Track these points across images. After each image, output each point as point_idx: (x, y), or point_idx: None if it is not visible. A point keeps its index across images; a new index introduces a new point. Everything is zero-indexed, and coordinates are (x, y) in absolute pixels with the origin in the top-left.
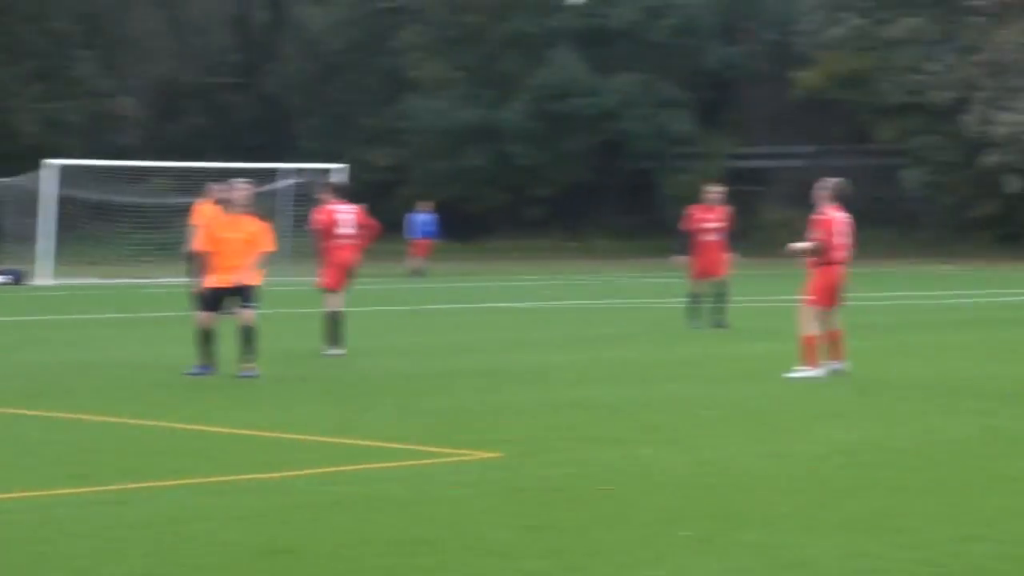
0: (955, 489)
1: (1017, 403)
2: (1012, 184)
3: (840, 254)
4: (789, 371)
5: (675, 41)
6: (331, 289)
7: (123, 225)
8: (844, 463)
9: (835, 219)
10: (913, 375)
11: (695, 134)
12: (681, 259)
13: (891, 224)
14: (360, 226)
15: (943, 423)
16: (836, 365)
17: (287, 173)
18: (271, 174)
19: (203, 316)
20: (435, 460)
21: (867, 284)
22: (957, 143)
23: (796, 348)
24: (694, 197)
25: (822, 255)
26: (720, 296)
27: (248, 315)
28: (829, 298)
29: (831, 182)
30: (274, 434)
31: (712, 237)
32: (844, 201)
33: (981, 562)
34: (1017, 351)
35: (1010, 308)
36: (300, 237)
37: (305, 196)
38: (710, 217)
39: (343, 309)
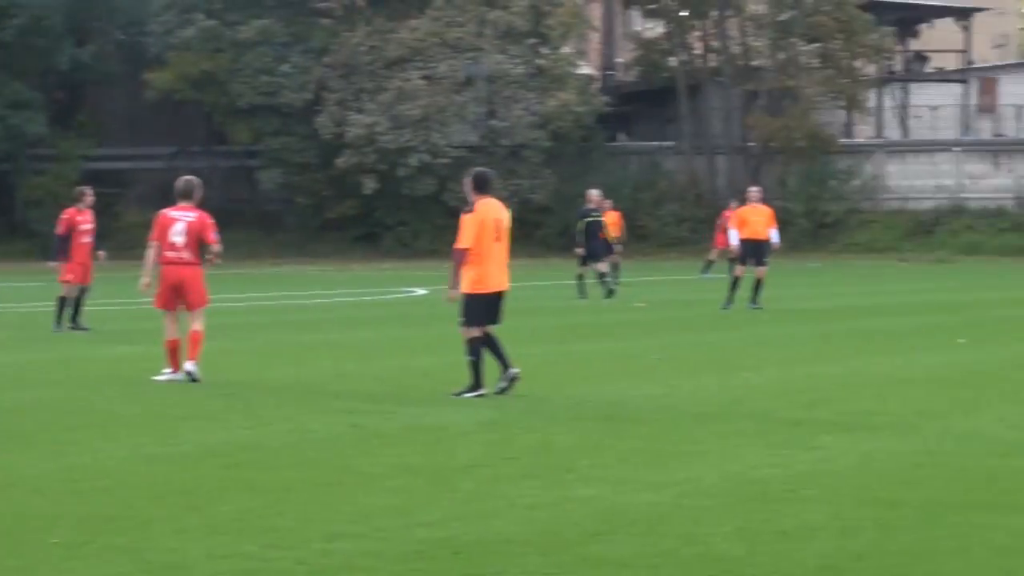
0: (324, 487)
1: (379, 401)
2: (368, 185)
3: (171, 254)
4: (156, 374)
5: (24, 41)
6: None
7: None
8: (214, 464)
9: (170, 217)
10: (279, 375)
11: (50, 136)
12: (57, 263)
13: (253, 225)
14: None
15: (311, 422)
16: (188, 365)
17: None
18: None
19: None
20: None
21: (230, 285)
22: (313, 144)
23: (161, 351)
24: (53, 199)
25: (158, 255)
26: (79, 300)
27: None
28: (164, 299)
29: (179, 180)
30: None
31: (87, 239)
32: (190, 198)
33: (350, 559)
34: (376, 350)
35: (368, 307)
36: None
37: None
38: (85, 219)
39: None
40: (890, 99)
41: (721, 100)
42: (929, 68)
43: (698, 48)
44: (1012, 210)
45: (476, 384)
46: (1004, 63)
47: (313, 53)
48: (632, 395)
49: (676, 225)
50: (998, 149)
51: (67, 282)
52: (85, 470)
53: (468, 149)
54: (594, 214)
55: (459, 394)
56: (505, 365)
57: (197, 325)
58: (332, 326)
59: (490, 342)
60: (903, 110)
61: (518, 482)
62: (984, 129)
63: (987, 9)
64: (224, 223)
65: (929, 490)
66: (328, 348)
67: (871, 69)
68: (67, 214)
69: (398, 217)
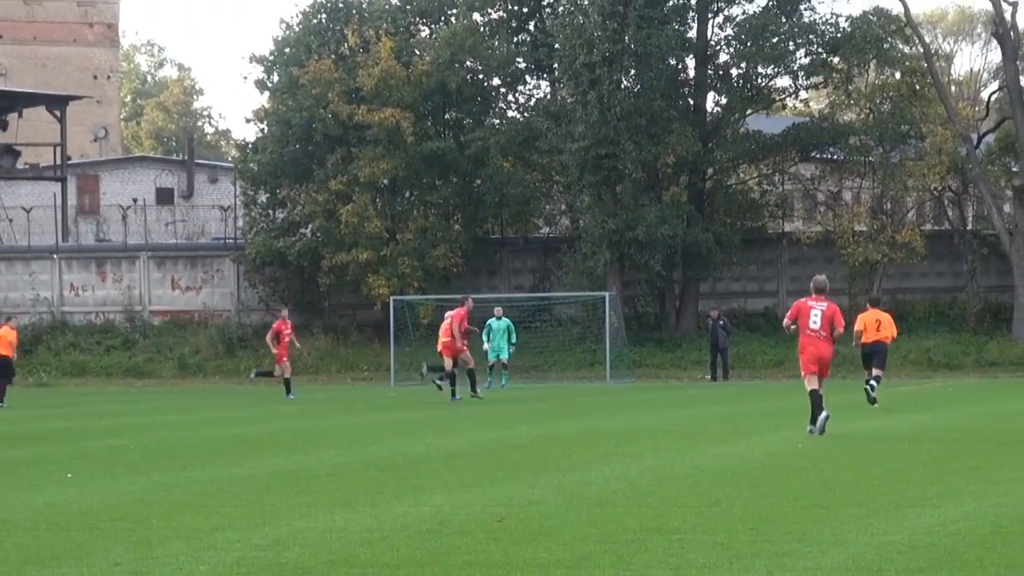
0: None
1: None
2: None
3: None
4: None
5: None
6: None
7: None
8: None
9: None
10: None
11: None
12: None
13: None
14: None
15: None
16: None
17: None
18: None
19: None
20: None
21: None
22: None
23: None
24: None
25: None
26: None
27: None
28: None
29: None
30: None
31: None
32: None
33: None
34: None
35: None
36: None
37: None
38: None
39: None
40: None
41: None
42: (21, 164)
43: None
44: (120, 325)
45: None
46: (106, 158)
47: None
48: None
49: None
50: (103, 256)
51: None
52: None
53: None
54: None
55: None
56: None
57: None
58: None
59: None
60: None
61: None
62: (86, 233)
63: (84, 97)
64: None
65: None
66: None
67: None
68: None
69: None
